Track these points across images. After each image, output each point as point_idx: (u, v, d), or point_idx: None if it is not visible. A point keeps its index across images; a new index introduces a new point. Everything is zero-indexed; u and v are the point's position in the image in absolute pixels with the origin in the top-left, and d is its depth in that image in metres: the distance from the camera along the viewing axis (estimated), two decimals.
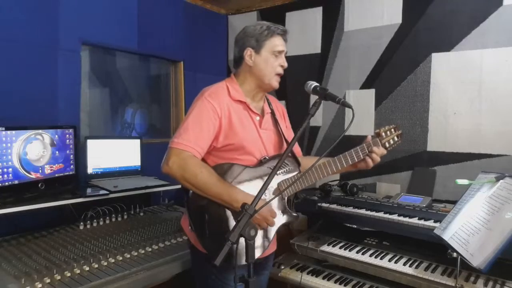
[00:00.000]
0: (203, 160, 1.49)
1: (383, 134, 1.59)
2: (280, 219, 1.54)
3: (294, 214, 1.58)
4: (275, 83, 1.59)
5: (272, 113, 1.68)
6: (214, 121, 1.47)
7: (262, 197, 1.18)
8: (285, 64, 1.58)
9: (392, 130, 1.62)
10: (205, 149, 1.47)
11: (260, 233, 1.49)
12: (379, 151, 1.54)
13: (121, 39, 2.66)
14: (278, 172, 1.55)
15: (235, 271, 1.15)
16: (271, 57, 1.55)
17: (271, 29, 1.55)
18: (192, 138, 1.42)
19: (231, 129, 1.49)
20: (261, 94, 1.64)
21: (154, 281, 1.67)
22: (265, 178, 1.48)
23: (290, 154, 1.64)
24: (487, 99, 2.24)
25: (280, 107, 1.80)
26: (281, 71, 1.59)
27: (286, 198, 1.56)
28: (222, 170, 1.46)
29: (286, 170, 1.59)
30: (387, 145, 1.59)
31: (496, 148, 2.21)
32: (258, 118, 1.60)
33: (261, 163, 1.53)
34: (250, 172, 1.50)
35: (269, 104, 1.70)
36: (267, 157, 1.55)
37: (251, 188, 1.44)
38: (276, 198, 1.52)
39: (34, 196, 1.94)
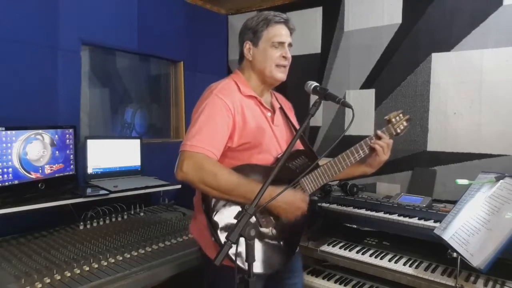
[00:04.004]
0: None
1: (394, 120, 1.61)
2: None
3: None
4: (278, 74, 1.50)
5: (282, 108, 1.63)
6: (228, 120, 1.37)
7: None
8: (287, 55, 1.49)
9: (401, 115, 1.64)
10: (220, 150, 1.36)
11: (289, 229, 1.45)
12: (385, 135, 1.55)
13: (121, 39, 2.66)
14: (298, 170, 1.51)
15: (235, 270, 1.14)
16: (270, 48, 1.47)
17: (268, 19, 1.47)
18: (206, 139, 1.32)
19: (245, 127, 1.41)
20: (267, 89, 1.59)
21: (154, 281, 1.67)
22: (287, 176, 1.44)
23: (308, 151, 1.62)
24: (487, 99, 2.24)
25: (287, 103, 1.74)
26: (282, 62, 1.49)
27: (308, 194, 1.50)
28: (240, 172, 1.34)
29: (306, 167, 1.52)
30: (398, 130, 1.62)
31: (496, 148, 2.21)
32: (269, 114, 1.54)
33: (278, 161, 1.42)
34: (270, 172, 1.34)
35: (276, 99, 1.65)
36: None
37: (276, 185, 1.33)
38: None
39: (34, 196, 1.94)
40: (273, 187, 1.24)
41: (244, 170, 1.36)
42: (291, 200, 1.35)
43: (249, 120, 1.43)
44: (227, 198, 1.33)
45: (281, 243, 1.45)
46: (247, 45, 1.51)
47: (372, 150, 1.55)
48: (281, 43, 1.49)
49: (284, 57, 1.50)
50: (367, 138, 1.57)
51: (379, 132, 1.57)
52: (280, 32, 1.49)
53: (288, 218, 1.39)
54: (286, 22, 1.52)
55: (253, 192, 1.18)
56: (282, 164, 1.17)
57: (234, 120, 1.39)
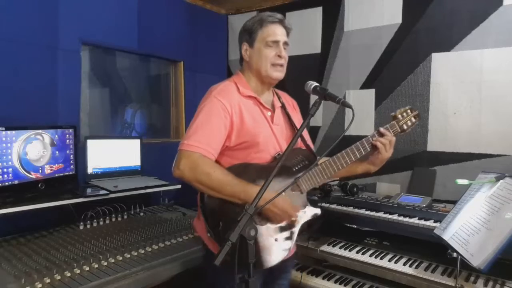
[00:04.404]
0: (216, 161, 1.43)
1: (400, 116, 1.58)
2: (303, 216, 1.50)
3: (316, 209, 1.53)
4: (274, 73, 1.51)
5: (283, 107, 1.63)
6: (225, 120, 1.42)
7: (283, 195, 1.15)
8: (282, 54, 1.51)
9: (409, 111, 1.60)
10: (217, 149, 1.41)
11: (283, 235, 1.45)
12: (388, 132, 1.53)
13: (121, 39, 2.66)
14: (295, 169, 1.51)
15: (235, 270, 1.15)
16: (265, 48, 1.49)
17: (262, 19, 1.51)
18: (203, 139, 1.37)
19: (243, 127, 1.45)
20: (267, 88, 1.60)
21: (154, 281, 1.67)
22: (283, 174, 1.46)
23: (308, 149, 1.62)
24: (487, 99, 2.24)
25: (290, 100, 1.75)
26: (278, 61, 1.50)
27: (305, 193, 1.51)
28: (236, 171, 1.39)
29: (303, 165, 1.54)
30: (405, 127, 1.58)
31: (496, 148, 2.21)
32: (269, 113, 1.56)
33: (275, 159, 1.48)
34: (265, 170, 1.41)
35: (279, 98, 1.65)
36: (281, 153, 1.50)
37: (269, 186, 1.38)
38: (297, 195, 1.48)
39: (34, 196, 1.94)
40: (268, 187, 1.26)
41: (239, 169, 1.41)
42: (282, 206, 1.37)
43: (247, 120, 1.46)
44: (220, 197, 1.37)
45: (276, 241, 1.45)
46: (244, 46, 1.55)
47: (374, 147, 1.54)
48: (275, 42, 1.50)
49: (279, 56, 1.51)
50: (369, 136, 1.55)
51: (381, 129, 1.55)
52: (274, 32, 1.50)
53: (276, 222, 1.42)
54: (280, 22, 1.53)
55: (244, 192, 1.31)
56: (280, 166, 1.19)
57: (232, 120, 1.44)
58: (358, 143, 1.54)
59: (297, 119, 1.69)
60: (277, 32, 1.51)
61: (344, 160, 1.51)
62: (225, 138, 1.43)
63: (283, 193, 1.29)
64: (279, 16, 1.54)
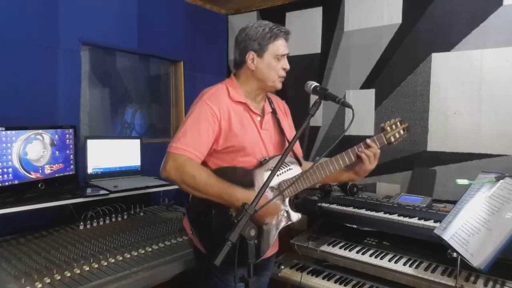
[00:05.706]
0: (204, 162, 1.49)
1: (388, 128, 1.59)
2: (282, 219, 1.54)
3: (297, 214, 1.57)
4: (279, 84, 1.57)
5: (274, 112, 1.65)
6: (213, 125, 1.46)
7: (265, 196, 1.19)
8: (287, 67, 1.56)
9: (398, 123, 1.61)
10: (204, 153, 1.46)
11: (262, 233, 1.48)
12: (374, 145, 1.55)
13: (121, 39, 2.66)
14: (278, 173, 1.53)
15: (235, 271, 1.15)
16: (274, 61, 1.52)
17: (274, 32, 1.51)
18: (191, 143, 1.42)
19: (231, 131, 1.48)
20: (262, 94, 1.62)
21: (154, 281, 1.67)
22: (265, 178, 1.49)
23: (291, 154, 1.64)
24: (487, 99, 2.24)
25: (282, 105, 1.78)
26: (283, 74, 1.56)
27: (287, 198, 1.55)
28: (221, 174, 1.44)
29: (287, 170, 1.57)
30: (392, 139, 1.59)
31: (496, 148, 2.21)
32: (259, 118, 1.58)
33: (260, 164, 1.52)
34: (249, 174, 1.49)
35: (271, 103, 1.68)
36: (266, 158, 1.54)
37: (251, 189, 1.44)
38: (278, 199, 1.51)
39: (34, 196, 1.94)
40: (248, 190, 1.39)
41: (224, 171, 1.47)
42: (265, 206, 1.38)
43: (235, 125, 1.49)
44: (204, 197, 1.42)
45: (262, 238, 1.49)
46: (251, 55, 1.52)
47: (360, 158, 1.55)
48: (284, 56, 1.55)
49: (284, 69, 1.56)
50: (355, 146, 1.56)
51: (368, 140, 1.56)
52: (284, 45, 1.55)
53: (258, 221, 1.45)
54: (287, 34, 1.57)
55: (227, 194, 1.38)
56: (275, 171, 1.23)
57: (220, 125, 1.48)
58: (344, 152, 1.56)
59: (287, 124, 1.72)
60: (285, 45, 1.55)
61: (328, 168, 1.55)
62: (213, 141, 1.48)
63: (266, 194, 1.31)
64: (287, 29, 1.57)
